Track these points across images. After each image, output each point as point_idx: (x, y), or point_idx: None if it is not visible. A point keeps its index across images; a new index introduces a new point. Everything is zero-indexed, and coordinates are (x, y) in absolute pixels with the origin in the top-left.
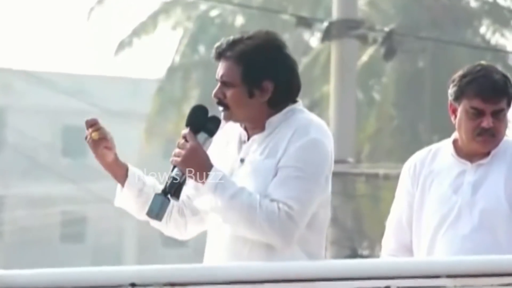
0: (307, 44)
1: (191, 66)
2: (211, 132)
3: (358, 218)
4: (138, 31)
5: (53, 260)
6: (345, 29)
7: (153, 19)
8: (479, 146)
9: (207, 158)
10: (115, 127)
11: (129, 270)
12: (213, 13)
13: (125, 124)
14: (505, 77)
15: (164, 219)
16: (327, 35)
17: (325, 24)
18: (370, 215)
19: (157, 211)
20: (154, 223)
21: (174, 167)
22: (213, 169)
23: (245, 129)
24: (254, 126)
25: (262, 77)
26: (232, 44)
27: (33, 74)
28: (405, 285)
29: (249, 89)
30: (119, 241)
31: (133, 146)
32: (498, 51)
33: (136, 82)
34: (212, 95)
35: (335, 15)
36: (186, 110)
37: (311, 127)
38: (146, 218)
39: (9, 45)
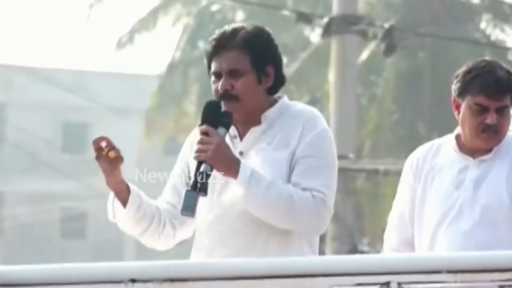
0: (308, 40)
1: (191, 62)
2: (228, 126)
3: (358, 214)
4: (138, 27)
5: (54, 256)
6: (345, 24)
7: (153, 15)
8: (482, 142)
9: (232, 153)
10: (115, 123)
11: (129, 266)
12: (213, 8)
13: (125, 120)
14: (509, 73)
15: (156, 234)
16: (327, 31)
17: (325, 19)
18: (371, 211)
19: (193, 207)
20: (145, 240)
21: (200, 163)
22: (242, 162)
23: (232, 123)
24: (251, 118)
25: (267, 62)
26: (232, 33)
27: (34, 70)
28: (406, 281)
29: (258, 74)
30: (120, 236)
31: (132, 142)
32: (498, 47)
33: (136, 78)
34: (219, 88)
35: (335, 10)
36: (186, 106)
37: (317, 118)
38: (137, 232)
39: (9, 41)
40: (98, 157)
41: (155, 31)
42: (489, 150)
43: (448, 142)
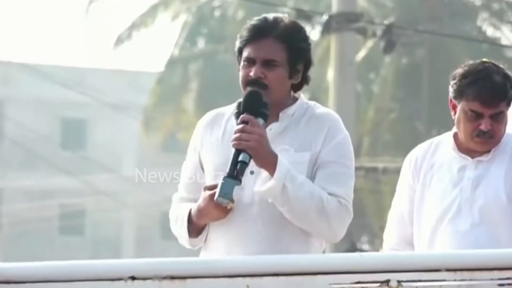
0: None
1: (190, 59)
2: (266, 118)
3: (357, 212)
4: (137, 24)
5: (52, 253)
6: (344, 22)
7: (152, 11)
8: (476, 146)
9: (271, 147)
10: (113, 120)
11: (129, 263)
12: (213, 5)
13: (124, 116)
14: (506, 78)
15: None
16: (326, 28)
17: (325, 17)
18: (370, 209)
19: (231, 194)
20: (189, 244)
21: (239, 151)
22: (279, 157)
23: None
24: (270, 113)
25: (300, 58)
26: (274, 23)
27: (33, 66)
28: (405, 279)
29: (290, 69)
30: (118, 233)
31: (131, 139)
32: (496, 45)
33: (135, 75)
34: (252, 74)
35: (334, 8)
36: (185, 103)
37: (341, 123)
38: (196, 244)
39: (8, 37)
40: (212, 200)
41: (154, 27)
42: (487, 151)
43: (446, 140)
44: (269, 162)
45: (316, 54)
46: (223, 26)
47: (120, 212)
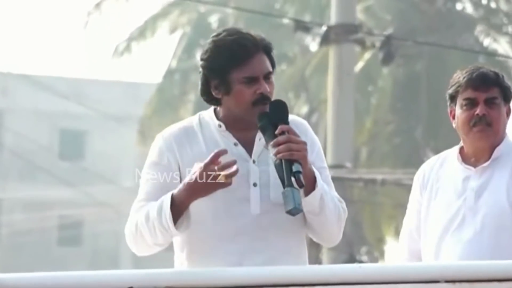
0: (307, 49)
1: (188, 71)
2: None
3: (356, 223)
4: (136, 35)
5: (50, 264)
6: (343, 33)
7: (151, 23)
8: (477, 138)
9: None
10: (112, 131)
11: (128, 273)
12: (212, 17)
13: (123, 128)
14: (498, 74)
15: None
16: (325, 40)
17: (324, 28)
18: (368, 220)
19: (302, 203)
20: (149, 249)
21: (289, 162)
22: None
23: (228, 130)
24: (248, 125)
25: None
26: (255, 37)
27: (32, 77)
28: None
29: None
30: (116, 244)
31: (131, 149)
32: (494, 56)
33: (134, 86)
34: (263, 91)
35: (333, 19)
36: (183, 114)
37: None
38: (157, 244)
39: (7, 49)
40: (206, 168)
41: (152, 39)
42: (488, 157)
43: (452, 153)
44: (311, 171)
45: (314, 65)
46: None
47: (119, 223)
